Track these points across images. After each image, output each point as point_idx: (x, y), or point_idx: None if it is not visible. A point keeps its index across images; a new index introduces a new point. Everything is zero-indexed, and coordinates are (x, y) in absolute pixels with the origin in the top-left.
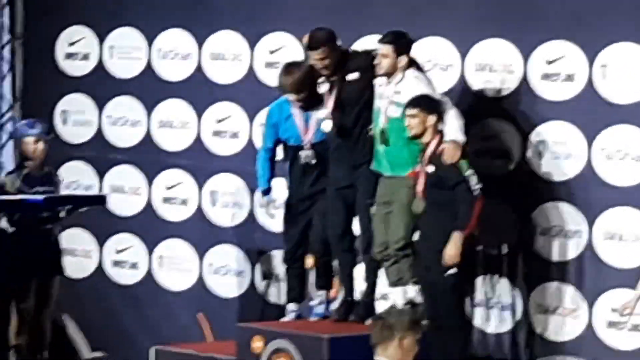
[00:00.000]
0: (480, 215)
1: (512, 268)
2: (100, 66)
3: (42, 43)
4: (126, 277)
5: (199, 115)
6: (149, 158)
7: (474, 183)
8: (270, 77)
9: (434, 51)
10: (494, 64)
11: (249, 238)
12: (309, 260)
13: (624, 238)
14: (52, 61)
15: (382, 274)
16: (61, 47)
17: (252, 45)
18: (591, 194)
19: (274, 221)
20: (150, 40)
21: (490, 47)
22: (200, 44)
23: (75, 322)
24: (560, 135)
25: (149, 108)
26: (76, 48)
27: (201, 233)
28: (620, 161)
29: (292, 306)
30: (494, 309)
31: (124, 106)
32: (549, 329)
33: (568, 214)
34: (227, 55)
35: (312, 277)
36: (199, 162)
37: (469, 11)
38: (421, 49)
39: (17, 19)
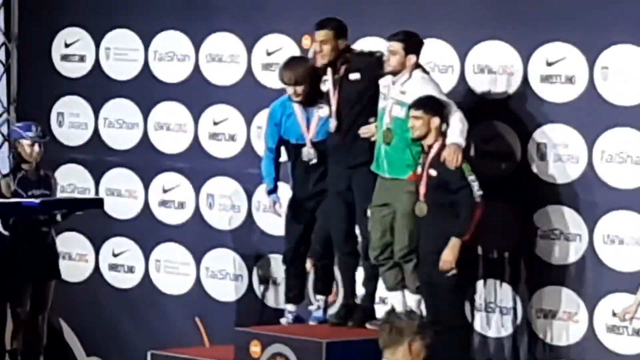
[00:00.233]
0: (480, 221)
1: (512, 272)
2: (96, 68)
3: (38, 45)
4: (123, 280)
5: (196, 118)
6: (146, 161)
7: (476, 189)
8: (268, 79)
9: (433, 53)
10: (494, 66)
11: (246, 241)
12: (309, 264)
13: (625, 241)
14: (47, 63)
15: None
16: (57, 49)
17: (250, 47)
18: (592, 196)
19: (271, 224)
20: (146, 42)
21: (490, 49)
22: (197, 46)
23: (71, 326)
24: (561, 138)
25: (146, 110)
26: (72, 50)
27: (198, 236)
28: (621, 164)
29: (290, 307)
30: (494, 313)
31: (121, 108)
32: (550, 333)
33: (568, 217)
34: (224, 57)
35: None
36: (196, 164)
37: (469, 13)
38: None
39: (13, 21)
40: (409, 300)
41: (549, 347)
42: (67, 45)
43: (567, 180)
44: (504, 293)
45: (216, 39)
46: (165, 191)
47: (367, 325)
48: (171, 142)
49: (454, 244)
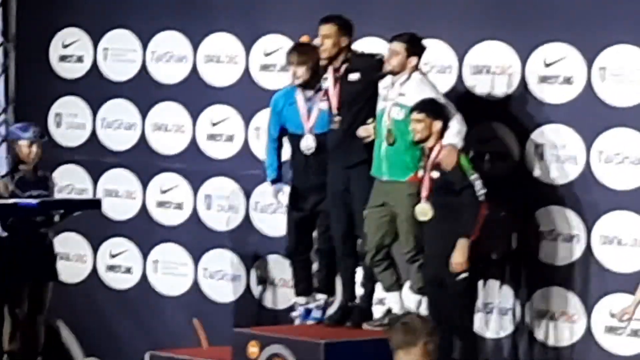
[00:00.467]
0: (486, 220)
1: (510, 272)
2: (94, 69)
3: (36, 45)
4: (120, 281)
5: (194, 118)
6: (144, 161)
7: (479, 188)
8: (266, 80)
9: (431, 53)
10: (492, 66)
11: (244, 242)
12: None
13: (623, 242)
14: (45, 63)
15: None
16: (55, 50)
17: (248, 47)
18: (590, 197)
19: (269, 225)
20: (144, 43)
21: (488, 50)
22: (195, 46)
23: (69, 327)
24: (559, 138)
25: (144, 111)
26: (70, 50)
27: (196, 237)
28: (619, 164)
29: (301, 300)
30: (492, 313)
31: (118, 109)
32: (548, 333)
33: (566, 218)
34: (222, 57)
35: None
36: (194, 165)
37: (467, 13)
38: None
39: (10, 21)
40: (409, 301)
41: (547, 348)
42: (65, 46)
43: (565, 181)
44: (502, 294)
45: (214, 39)
46: (163, 192)
47: (365, 326)
48: (169, 143)
49: (462, 244)
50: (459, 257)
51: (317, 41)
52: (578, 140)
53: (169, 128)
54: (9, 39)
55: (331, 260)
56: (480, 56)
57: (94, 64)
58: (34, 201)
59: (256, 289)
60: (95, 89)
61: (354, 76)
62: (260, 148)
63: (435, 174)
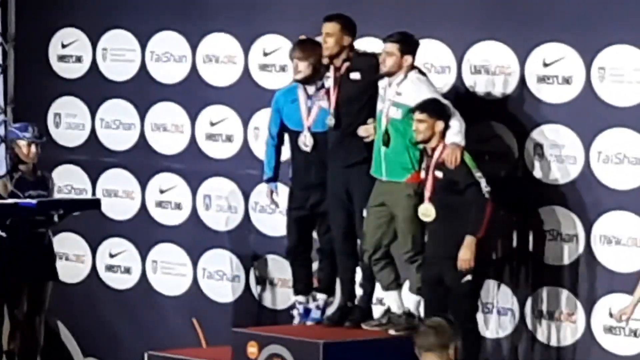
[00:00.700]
0: (492, 217)
1: (509, 272)
2: (93, 69)
3: (35, 45)
4: (119, 281)
5: (193, 119)
6: (143, 161)
7: (484, 185)
8: (265, 80)
9: (430, 53)
10: (491, 67)
11: (243, 242)
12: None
13: (622, 242)
14: (44, 64)
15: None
16: (54, 50)
17: (247, 47)
18: (589, 197)
19: (268, 225)
20: (143, 43)
21: (487, 50)
22: (194, 47)
23: (68, 327)
24: (558, 138)
25: (143, 111)
26: (69, 50)
27: (195, 237)
28: (618, 164)
29: (300, 298)
30: (491, 313)
31: (117, 109)
32: (547, 333)
33: (565, 218)
34: (221, 57)
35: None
36: (193, 165)
37: (466, 13)
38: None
39: (9, 21)
40: (408, 301)
41: (546, 348)
42: (64, 46)
43: (564, 181)
44: (502, 294)
45: (213, 39)
46: (162, 192)
47: (363, 326)
48: (168, 143)
49: (469, 242)
50: (466, 254)
51: (319, 39)
52: (577, 140)
53: (168, 128)
54: (7, 39)
55: (332, 260)
56: (479, 56)
57: (93, 64)
58: (33, 201)
59: (255, 289)
60: (94, 89)
61: (354, 75)
62: (259, 148)
63: (439, 174)
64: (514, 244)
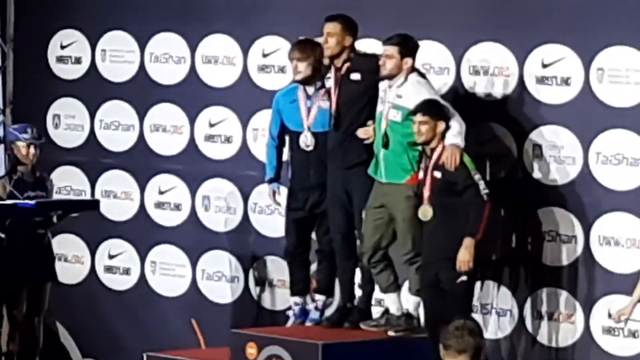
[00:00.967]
0: (490, 219)
1: (508, 273)
2: (92, 70)
3: (34, 47)
4: (118, 282)
5: (192, 120)
6: (142, 162)
7: (483, 187)
8: (264, 81)
9: (429, 54)
10: (490, 68)
11: (242, 243)
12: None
13: (621, 243)
14: (43, 65)
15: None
16: (53, 51)
17: (246, 48)
18: (587, 198)
19: (267, 226)
20: (142, 44)
21: (486, 51)
22: (193, 48)
23: (67, 328)
24: (557, 139)
25: (142, 112)
26: (68, 51)
27: (194, 238)
28: (617, 165)
29: (296, 299)
30: (490, 314)
31: (116, 110)
32: (546, 334)
33: (564, 219)
34: (220, 58)
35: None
36: (192, 166)
37: (465, 14)
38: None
39: (8, 23)
40: (407, 302)
41: (545, 349)
42: (62, 47)
43: (563, 182)
44: (500, 295)
45: (212, 40)
46: (161, 193)
47: (362, 326)
48: (167, 144)
49: (468, 244)
50: (465, 255)
51: (320, 39)
52: (576, 141)
53: (167, 129)
54: (6, 41)
55: (331, 261)
56: (478, 57)
57: (92, 65)
58: (31, 202)
59: (254, 290)
60: (93, 90)
61: (355, 76)
62: (258, 149)
63: (438, 174)
64: (513, 245)
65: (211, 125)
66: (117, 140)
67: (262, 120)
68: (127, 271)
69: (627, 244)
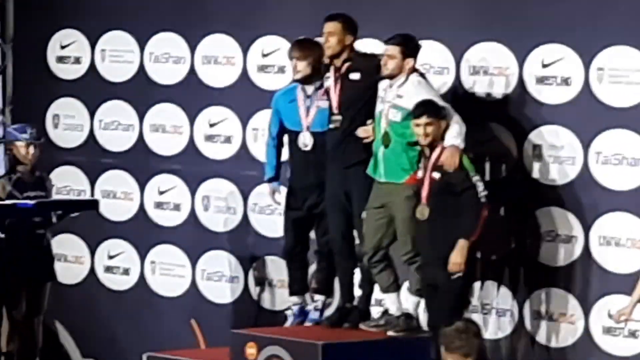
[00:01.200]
0: (486, 222)
1: (508, 273)
2: (91, 70)
3: (33, 46)
4: (118, 283)
5: (192, 120)
6: (141, 162)
7: (481, 190)
8: (264, 81)
9: (429, 54)
10: (489, 67)
11: (242, 243)
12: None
13: (621, 243)
14: (43, 65)
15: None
16: (52, 51)
17: (245, 48)
18: (587, 198)
19: (267, 226)
20: (142, 44)
21: (486, 50)
22: (192, 48)
23: (67, 328)
24: (557, 139)
25: (141, 112)
26: (67, 51)
27: (194, 238)
28: (617, 165)
29: (295, 299)
30: (490, 314)
31: (116, 110)
32: (546, 334)
33: (564, 219)
34: (219, 58)
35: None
36: (192, 166)
37: (464, 14)
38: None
39: (8, 23)
40: (407, 302)
41: (545, 349)
42: (62, 47)
43: (562, 182)
44: (500, 295)
45: (212, 40)
46: (160, 193)
47: (361, 326)
48: (167, 144)
49: (462, 245)
50: (457, 257)
51: (320, 39)
52: (576, 141)
53: (166, 129)
54: (6, 41)
55: (330, 261)
56: (478, 57)
57: (92, 65)
58: (31, 202)
59: (254, 290)
60: (92, 90)
61: (354, 75)
62: (258, 149)
63: (436, 175)
64: (513, 245)
65: (211, 125)
66: (116, 140)
67: (262, 120)
68: (126, 271)
69: (627, 244)
